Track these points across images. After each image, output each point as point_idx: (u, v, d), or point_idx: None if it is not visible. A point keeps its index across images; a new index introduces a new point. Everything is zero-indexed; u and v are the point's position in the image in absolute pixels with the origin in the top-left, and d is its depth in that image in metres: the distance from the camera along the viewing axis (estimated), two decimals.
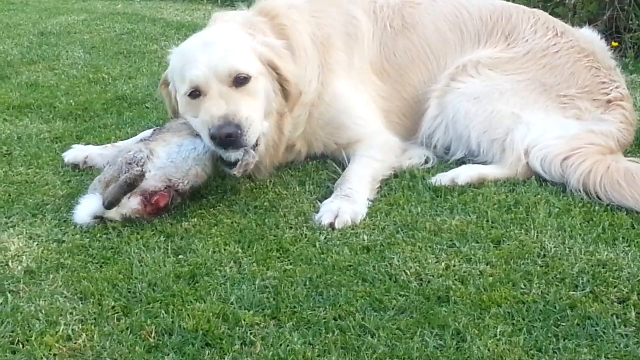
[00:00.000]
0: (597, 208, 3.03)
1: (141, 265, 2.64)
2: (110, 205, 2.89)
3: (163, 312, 2.35)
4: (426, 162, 3.55)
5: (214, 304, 2.39)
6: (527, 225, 2.89)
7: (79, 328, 2.28)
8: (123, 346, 2.20)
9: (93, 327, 2.28)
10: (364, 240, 2.80)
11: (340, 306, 2.37)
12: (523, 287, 2.46)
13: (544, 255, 2.66)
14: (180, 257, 2.71)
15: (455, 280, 2.51)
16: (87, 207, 2.96)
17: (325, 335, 2.23)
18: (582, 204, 3.07)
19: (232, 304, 2.39)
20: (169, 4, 8.82)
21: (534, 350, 2.16)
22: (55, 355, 2.17)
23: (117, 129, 4.10)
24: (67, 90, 4.90)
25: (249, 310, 2.36)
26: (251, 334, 2.24)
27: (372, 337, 2.22)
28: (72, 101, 4.61)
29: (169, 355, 2.16)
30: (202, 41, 3.26)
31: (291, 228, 2.93)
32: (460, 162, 3.50)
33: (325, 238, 2.83)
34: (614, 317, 2.29)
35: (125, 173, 2.90)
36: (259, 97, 3.14)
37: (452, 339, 2.20)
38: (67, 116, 4.36)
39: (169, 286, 2.50)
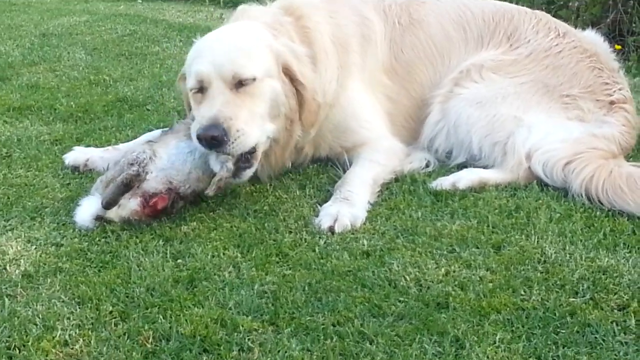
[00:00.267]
0: (598, 213, 3.02)
1: (139, 270, 2.62)
2: (107, 205, 2.88)
3: (161, 317, 2.33)
4: (427, 165, 3.55)
5: (212, 309, 2.37)
6: (527, 231, 2.88)
7: (76, 333, 2.26)
8: (120, 352, 2.18)
9: (90, 332, 2.27)
10: (364, 245, 2.79)
11: (339, 312, 2.35)
12: (523, 293, 2.44)
13: (544, 261, 2.65)
14: (179, 261, 2.69)
15: (455, 286, 2.50)
16: (88, 208, 2.95)
17: (324, 341, 2.21)
18: (583, 209, 3.06)
19: (230, 309, 2.38)
20: (171, 5, 8.84)
21: (533, 357, 2.14)
22: None
23: (117, 131, 4.09)
24: (68, 91, 4.89)
25: (247, 316, 2.34)
26: (249, 339, 2.23)
27: (371, 344, 2.20)
28: (72, 103, 4.61)
29: None
30: (217, 37, 3.26)
31: (290, 232, 2.92)
32: (461, 166, 3.49)
33: (325, 242, 2.82)
34: (614, 324, 2.27)
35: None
36: (262, 99, 3.10)
37: (450, 345, 2.19)
38: (67, 118, 4.36)
39: (167, 291, 2.48)
